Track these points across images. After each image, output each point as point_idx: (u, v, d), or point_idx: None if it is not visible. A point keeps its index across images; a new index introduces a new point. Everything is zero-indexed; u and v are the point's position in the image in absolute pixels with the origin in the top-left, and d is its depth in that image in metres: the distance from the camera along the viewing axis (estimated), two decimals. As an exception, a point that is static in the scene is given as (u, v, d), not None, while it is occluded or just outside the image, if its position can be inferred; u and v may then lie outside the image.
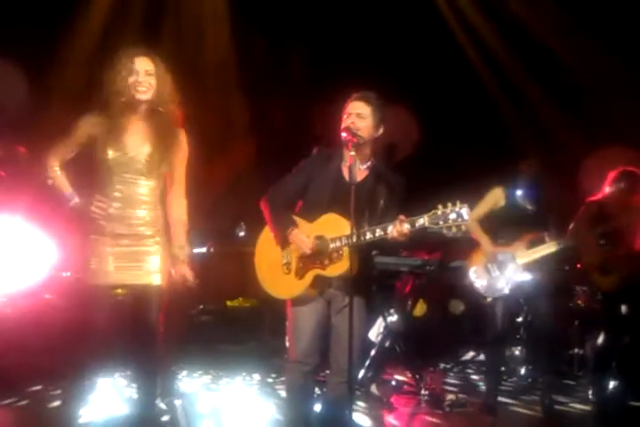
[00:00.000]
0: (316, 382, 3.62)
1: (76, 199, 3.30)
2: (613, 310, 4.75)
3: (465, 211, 3.03)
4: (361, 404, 4.75)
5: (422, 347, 5.70)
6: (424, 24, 7.24)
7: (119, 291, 3.36)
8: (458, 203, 3.05)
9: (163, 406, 4.31)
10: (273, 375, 5.50)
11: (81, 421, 3.40)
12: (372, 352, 5.25)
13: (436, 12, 7.42)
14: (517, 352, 5.86)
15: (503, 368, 5.80)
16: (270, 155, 6.94)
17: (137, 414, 3.43)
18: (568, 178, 6.31)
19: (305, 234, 3.35)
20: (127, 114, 3.33)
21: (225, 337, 5.94)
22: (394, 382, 5.26)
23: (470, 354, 6.32)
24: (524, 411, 4.91)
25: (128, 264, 3.32)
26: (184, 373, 5.38)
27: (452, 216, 3.04)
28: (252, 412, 4.52)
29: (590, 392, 5.05)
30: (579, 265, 4.97)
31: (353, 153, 3.23)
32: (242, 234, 6.41)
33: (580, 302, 5.94)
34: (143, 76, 3.27)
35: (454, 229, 3.05)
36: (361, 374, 4.99)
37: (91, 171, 3.42)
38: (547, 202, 4.85)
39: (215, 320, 6.16)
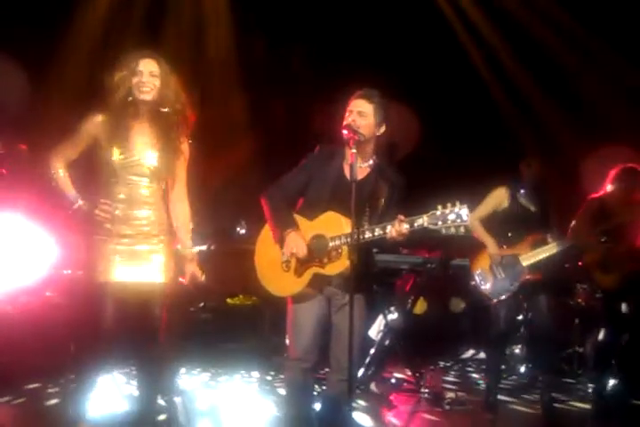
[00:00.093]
0: (315, 380, 3.62)
1: (80, 202, 3.31)
2: (613, 308, 4.74)
3: (464, 212, 3.03)
4: (361, 402, 4.75)
5: (422, 345, 5.70)
6: (425, 24, 7.24)
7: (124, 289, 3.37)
8: (457, 203, 3.05)
9: (163, 403, 4.32)
10: (272, 373, 5.51)
11: (80, 418, 3.40)
12: (372, 350, 5.26)
13: (438, 10, 7.42)
14: (517, 350, 5.87)
15: (503, 366, 5.82)
16: (272, 153, 6.95)
17: (138, 411, 3.44)
18: (569, 178, 6.32)
19: (303, 235, 3.35)
20: (132, 115, 3.34)
21: (225, 335, 5.94)
22: (393, 380, 5.27)
23: (470, 352, 6.33)
24: (524, 409, 4.92)
25: (133, 263, 3.34)
26: (184, 370, 5.38)
27: (452, 217, 3.04)
28: (250, 410, 4.52)
29: (590, 390, 5.06)
30: (580, 263, 4.96)
31: (354, 151, 3.23)
32: (242, 232, 6.41)
33: (580, 300, 5.94)
34: (147, 76, 3.29)
35: (453, 230, 3.05)
36: (361, 372, 5.00)
37: (89, 171, 3.44)
38: (548, 202, 4.85)
39: (215, 318, 6.15)
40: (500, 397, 4.97)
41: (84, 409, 3.38)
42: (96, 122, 3.32)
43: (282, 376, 5.15)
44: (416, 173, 3.59)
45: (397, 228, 3.13)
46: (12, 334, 4.95)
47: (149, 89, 3.29)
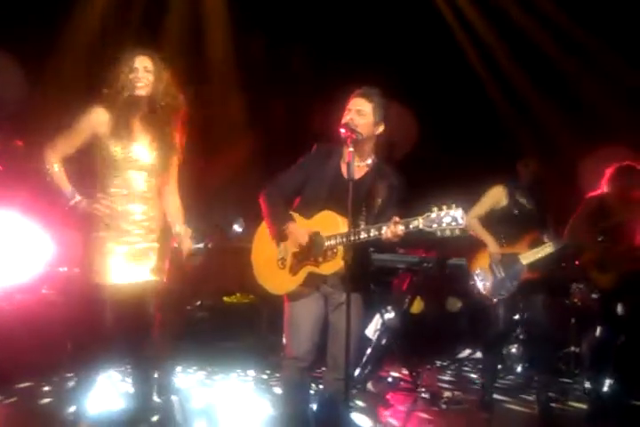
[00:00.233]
0: (312, 379, 3.61)
1: (77, 197, 3.30)
2: (610, 308, 4.74)
3: (459, 214, 3.02)
4: (357, 401, 4.75)
5: (419, 344, 5.70)
6: (424, 24, 7.24)
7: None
8: (453, 206, 3.03)
9: (159, 401, 4.32)
10: (268, 372, 5.50)
11: (80, 416, 3.40)
12: (369, 349, 5.25)
13: (436, 11, 7.42)
14: (514, 350, 5.87)
15: (500, 366, 5.82)
16: (271, 152, 6.95)
17: (133, 409, 3.44)
18: (567, 178, 6.33)
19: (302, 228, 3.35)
20: (130, 110, 3.38)
21: (222, 333, 5.93)
22: (390, 380, 5.26)
23: (467, 351, 6.32)
24: (521, 409, 4.91)
25: (132, 262, 3.37)
26: (180, 369, 5.37)
27: (447, 219, 3.03)
28: (246, 409, 4.52)
29: (586, 390, 5.06)
30: (577, 262, 4.95)
31: (351, 149, 3.22)
32: (240, 230, 6.40)
33: (576, 299, 5.94)
34: (142, 72, 3.37)
35: (448, 233, 3.04)
36: (358, 371, 5.00)
37: (83, 165, 3.43)
38: (544, 201, 4.85)
39: (212, 316, 6.15)
40: (496, 396, 4.98)
41: (84, 408, 3.38)
42: (95, 117, 3.35)
43: (278, 375, 5.17)
44: (414, 173, 3.57)
45: (392, 229, 3.11)
46: (7, 332, 4.93)
47: (144, 84, 3.36)
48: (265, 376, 5.44)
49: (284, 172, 3.54)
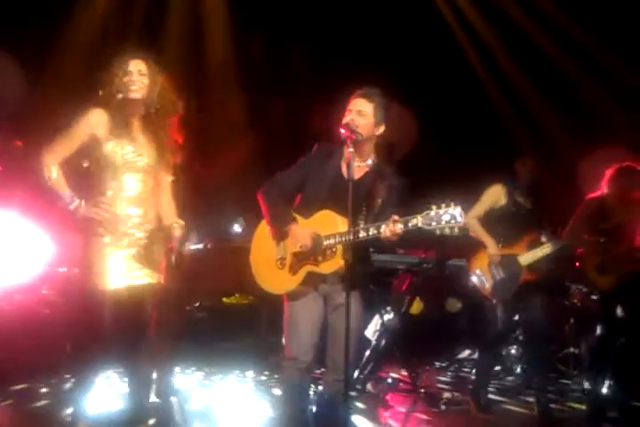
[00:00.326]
0: (312, 380, 3.60)
1: (76, 201, 3.30)
2: (609, 309, 4.74)
3: (458, 212, 3.01)
4: (357, 402, 4.74)
5: (419, 345, 5.70)
6: (424, 25, 7.24)
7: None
8: (452, 204, 3.02)
9: (158, 402, 4.32)
10: (266, 373, 5.49)
11: (78, 417, 3.40)
12: (369, 350, 5.25)
13: (436, 11, 7.42)
14: (513, 351, 5.87)
15: (499, 367, 5.82)
16: (271, 153, 6.94)
17: (129, 410, 3.44)
18: (567, 178, 6.33)
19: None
20: (126, 113, 3.40)
21: (221, 334, 5.93)
22: (390, 380, 5.26)
23: (467, 352, 6.32)
24: (520, 410, 4.90)
25: (130, 265, 3.37)
26: (179, 370, 5.37)
27: (446, 217, 3.02)
28: (245, 410, 4.51)
29: (586, 391, 5.06)
30: (577, 263, 4.94)
31: (351, 150, 3.22)
32: (240, 230, 6.40)
33: (576, 300, 5.94)
34: (136, 75, 3.39)
35: (447, 231, 3.03)
36: (357, 372, 5.00)
37: (78, 167, 3.43)
38: (542, 200, 4.85)
39: (211, 317, 6.15)
40: (495, 397, 4.97)
41: (82, 408, 3.38)
42: (93, 118, 3.36)
43: (276, 376, 5.16)
44: (414, 173, 3.57)
45: (391, 228, 3.11)
46: (6, 332, 4.93)
47: (138, 87, 3.38)
48: (264, 377, 5.44)
49: (283, 171, 3.54)
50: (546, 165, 5.12)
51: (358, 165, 3.39)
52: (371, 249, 3.61)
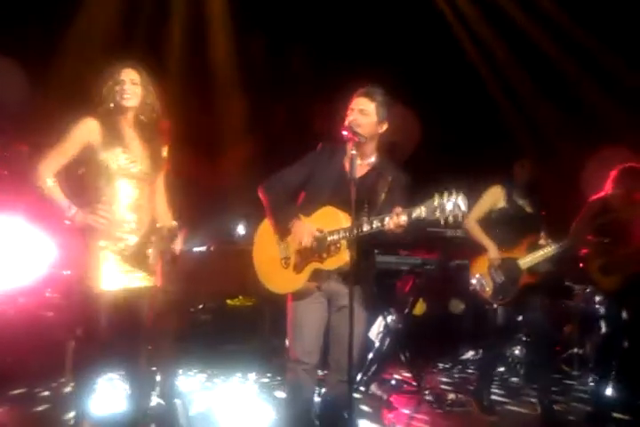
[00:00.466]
0: (315, 382, 3.61)
1: (74, 209, 3.32)
2: (614, 310, 4.74)
3: (461, 199, 3.01)
4: (361, 403, 4.74)
5: (422, 346, 5.70)
6: (424, 25, 7.25)
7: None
8: (454, 192, 3.02)
9: (163, 404, 4.33)
10: (269, 375, 5.50)
11: (82, 417, 3.41)
12: (372, 352, 5.25)
13: (437, 11, 7.43)
14: (517, 352, 5.87)
15: (503, 368, 5.82)
16: (273, 154, 6.95)
17: (129, 413, 3.46)
18: (568, 180, 6.33)
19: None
20: (119, 121, 3.44)
21: (225, 336, 5.93)
22: (394, 382, 5.26)
23: (470, 353, 6.32)
24: (523, 410, 4.90)
25: (129, 269, 3.39)
26: (183, 372, 5.37)
27: (450, 206, 3.01)
28: (249, 412, 4.51)
29: (590, 392, 5.05)
30: (581, 264, 4.94)
31: (354, 152, 3.23)
32: (243, 232, 6.41)
33: (579, 301, 5.94)
34: (129, 84, 3.43)
35: (452, 220, 3.03)
36: (361, 373, 5.00)
37: (72, 175, 3.46)
38: (540, 202, 4.85)
39: (215, 319, 6.14)
40: (499, 398, 4.96)
41: (85, 410, 3.40)
42: (85, 128, 3.39)
43: (279, 378, 5.17)
44: (414, 172, 3.57)
45: (395, 220, 3.10)
46: (10, 335, 4.94)
47: (130, 96, 3.42)
48: (267, 379, 5.44)
49: (287, 168, 3.55)
50: (546, 165, 5.12)
51: (360, 163, 3.40)
52: (375, 251, 3.62)
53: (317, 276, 3.37)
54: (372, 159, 3.48)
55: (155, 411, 4.26)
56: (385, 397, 4.93)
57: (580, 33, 7.05)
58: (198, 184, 6.27)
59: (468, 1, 7.45)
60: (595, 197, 4.88)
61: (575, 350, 5.83)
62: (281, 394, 4.67)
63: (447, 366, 6.23)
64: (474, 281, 4.76)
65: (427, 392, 5.02)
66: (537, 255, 4.65)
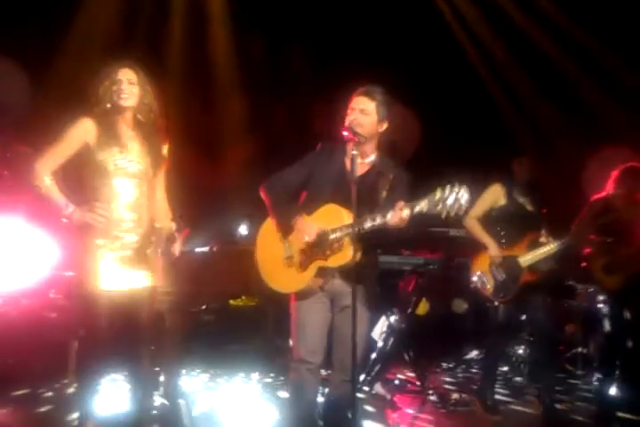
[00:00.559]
0: (319, 381, 3.60)
1: (71, 207, 3.32)
2: (617, 309, 4.73)
3: (464, 191, 3.03)
4: (365, 403, 4.74)
5: (425, 346, 5.70)
6: (424, 25, 7.25)
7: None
8: (456, 185, 3.05)
9: (166, 404, 4.32)
10: (272, 375, 5.49)
11: (87, 417, 3.41)
12: (376, 352, 5.25)
13: (436, 11, 7.44)
14: (521, 351, 5.86)
15: (507, 367, 5.81)
16: (272, 154, 6.95)
17: (131, 413, 3.46)
18: (566, 177, 6.33)
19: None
20: (115, 120, 3.43)
21: (228, 337, 5.93)
22: (397, 382, 5.26)
23: (474, 353, 6.31)
24: (528, 410, 4.89)
25: (127, 268, 3.38)
26: (187, 372, 5.37)
27: (452, 199, 3.03)
28: (251, 412, 4.51)
29: (594, 391, 5.05)
30: (584, 264, 4.94)
31: (355, 152, 3.23)
32: (246, 233, 6.40)
33: (583, 301, 5.93)
34: (126, 84, 3.41)
35: (454, 213, 3.04)
36: (364, 373, 4.99)
37: (71, 174, 3.46)
38: (540, 199, 4.85)
39: (218, 320, 6.14)
40: (503, 398, 4.95)
41: (89, 410, 3.39)
42: (83, 127, 3.38)
43: (282, 378, 5.16)
44: (413, 172, 3.58)
45: (398, 214, 3.12)
46: (14, 337, 4.93)
47: (127, 96, 3.40)
48: (270, 379, 5.43)
49: (287, 167, 3.56)
50: (546, 164, 5.12)
51: (361, 162, 3.41)
52: (378, 251, 3.62)
53: (322, 274, 3.37)
54: (372, 158, 3.49)
55: (158, 411, 4.26)
56: (389, 396, 4.93)
57: (579, 33, 7.06)
58: (200, 184, 6.27)
59: (468, 1, 7.46)
60: (596, 196, 4.88)
61: (579, 349, 5.83)
62: (284, 394, 4.67)
63: (451, 365, 6.22)
64: (475, 279, 4.77)
65: (430, 392, 5.02)
66: (538, 253, 4.66)
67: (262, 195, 3.53)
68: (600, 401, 4.75)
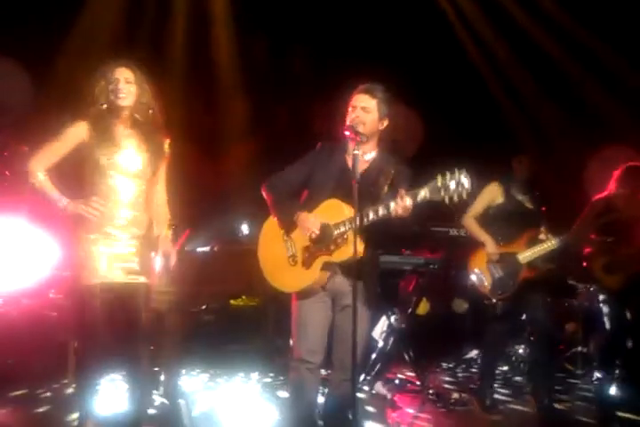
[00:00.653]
0: (319, 381, 3.60)
1: (65, 200, 3.33)
2: (617, 309, 4.73)
3: (464, 176, 3.04)
4: (365, 403, 4.74)
5: (426, 346, 5.69)
6: (426, 25, 7.25)
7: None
8: (456, 171, 3.06)
9: (167, 404, 4.33)
10: (271, 375, 5.48)
11: (87, 416, 3.41)
12: (376, 351, 5.25)
13: (439, 11, 7.44)
14: (521, 350, 5.86)
15: (507, 367, 5.81)
16: (274, 154, 6.95)
17: (132, 413, 3.46)
18: (567, 177, 6.32)
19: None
20: (112, 120, 3.44)
21: (228, 336, 5.93)
22: (397, 381, 5.26)
23: (474, 352, 6.30)
24: (527, 409, 4.87)
25: (120, 264, 3.40)
26: (187, 372, 5.38)
27: (453, 185, 3.05)
28: (251, 411, 4.51)
29: (594, 390, 5.04)
30: (584, 263, 4.93)
31: (356, 152, 3.23)
32: (247, 232, 6.41)
33: (583, 300, 5.92)
34: (123, 83, 3.42)
35: (456, 198, 3.05)
36: (364, 373, 5.00)
37: (68, 172, 3.47)
38: (539, 198, 4.85)
39: (218, 319, 6.14)
40: (503, 397, 4.95)
41: (89, 410, 3.40)
42: (81, 127, 3.40)
43: (282, 378, 5.16)
44: (414, 171, 3.58)
45: (401, 203, 3.13)
46: (14, 336, 4.94)
47: (125, 95, 3.41)
48: (269, 379, 5.43)
49: (288, 166, 3.57)
50: (547, 163, 5.12)
51: (361, 159, 3.40)
52: (379, 251, 3.62)
53: (327, 269, 3.37)
54: (373, 154, 3.50)
55: (158, 411, 4.27)
56: (389, 396, 4.93)
57: (582, 33, 7.05)
58: (201, 184, 6.27)
59: (470, 0, 7.46)
60: (598, 196, 4.87)
61: (579, 348, 5.82)
62: (284, 394, 4.67)
63: (451, 365, 6.22)
64: (472, 276, 4.77)
65: (430, 391, 5.02)
66: (537, 250, 4.66)
67: (264, 194, 3.54)
68: (600, 401, 4.74)
